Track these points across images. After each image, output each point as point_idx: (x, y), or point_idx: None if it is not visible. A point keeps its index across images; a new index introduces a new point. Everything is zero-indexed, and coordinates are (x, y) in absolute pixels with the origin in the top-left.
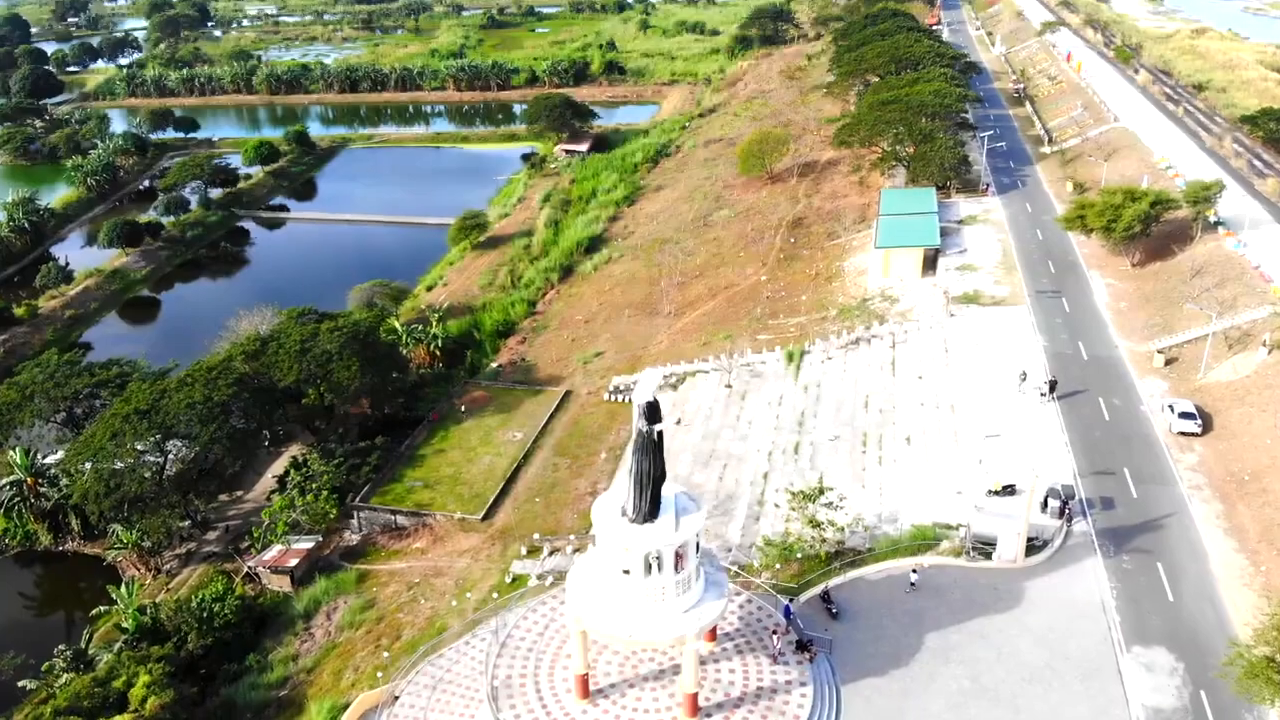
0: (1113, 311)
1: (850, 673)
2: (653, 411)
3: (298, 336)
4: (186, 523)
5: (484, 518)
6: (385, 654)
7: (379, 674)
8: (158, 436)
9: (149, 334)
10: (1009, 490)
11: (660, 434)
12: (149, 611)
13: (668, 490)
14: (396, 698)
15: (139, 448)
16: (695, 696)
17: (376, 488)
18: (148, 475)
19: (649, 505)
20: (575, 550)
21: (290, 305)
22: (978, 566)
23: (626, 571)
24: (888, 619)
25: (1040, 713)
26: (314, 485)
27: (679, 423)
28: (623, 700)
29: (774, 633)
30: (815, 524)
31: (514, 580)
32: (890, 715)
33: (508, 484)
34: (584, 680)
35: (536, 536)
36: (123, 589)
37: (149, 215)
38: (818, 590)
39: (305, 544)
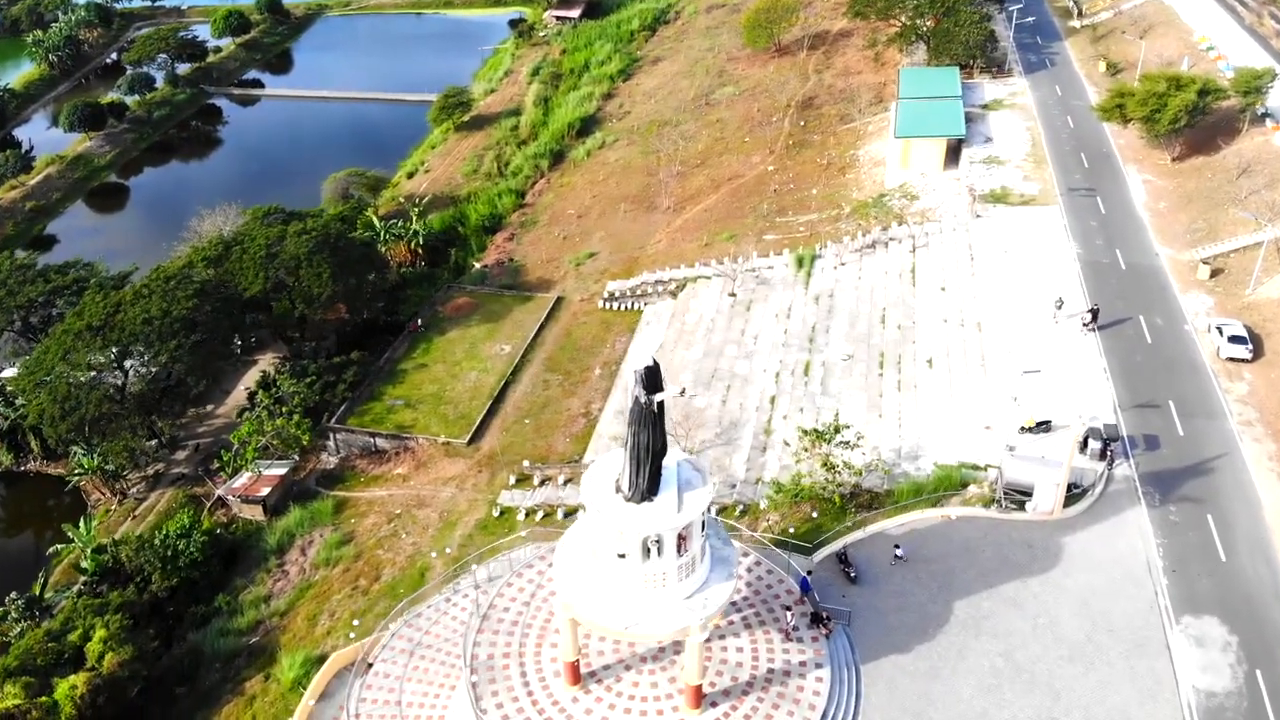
0: (1151, 213)
1: (871, 649)
2: (652, 379)
3: (263, 240)
4: (152, 443)
5: (470, 441)
6: (356, 622)
7: (351, 634)
8: (114, 354)
9: (118, 223)
10: (1044, 427)
11: (661, 404)
12: (109, 550)
13: (669, 461)
14: (370, 665)
15: (95, 362)
16: (699, 689)
17: (354, 406)
18: (107, 395)
19: (647, 482)
20: (567, 481)
21: (264, 190)
22: (1010, 519)
23: (622, 555)
24: (912, 582)
25: (1081, 697)
26: (284, 408)
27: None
28: (618, 685)
29: (788, 609)
30: (830, 466)
31: (502, 514)
32: (916, 702)
33: (495, 403)
34: (574, 667)
35: (526, 464)
36: (80, 527)
37: (112, 95)
38: (835, 548)
39: (278, 469)
